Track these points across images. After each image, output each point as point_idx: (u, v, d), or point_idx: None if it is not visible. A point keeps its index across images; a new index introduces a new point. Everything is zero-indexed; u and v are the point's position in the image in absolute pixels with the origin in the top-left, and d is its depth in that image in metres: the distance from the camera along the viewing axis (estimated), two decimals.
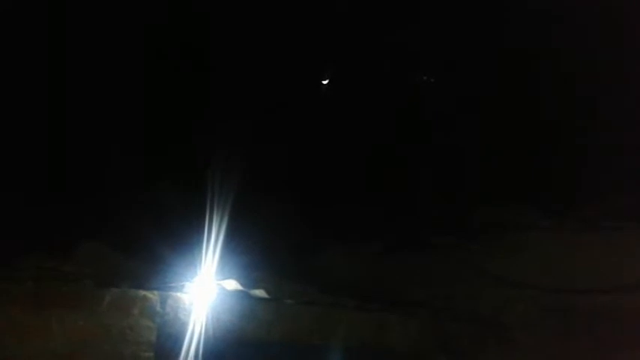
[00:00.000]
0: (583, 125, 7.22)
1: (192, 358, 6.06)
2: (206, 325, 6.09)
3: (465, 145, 7.26)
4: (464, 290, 6.67)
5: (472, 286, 6.70)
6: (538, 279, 6.68)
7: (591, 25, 7.01)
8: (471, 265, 6.86)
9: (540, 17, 7.08)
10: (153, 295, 6.09)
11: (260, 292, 6.42)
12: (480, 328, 6.46)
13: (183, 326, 6.10)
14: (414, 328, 6.56)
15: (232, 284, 6.36)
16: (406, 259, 6.86)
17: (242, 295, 6.36)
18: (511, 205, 7.21)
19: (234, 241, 6.33)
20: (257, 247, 6.46)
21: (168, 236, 6.20)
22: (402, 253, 6.89)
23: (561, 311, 6.33)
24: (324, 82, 7.28)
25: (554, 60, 7.09)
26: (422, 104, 7.17)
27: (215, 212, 6.32)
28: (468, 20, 7.20)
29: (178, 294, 6.17)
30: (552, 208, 6.95)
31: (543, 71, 7.16)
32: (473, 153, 7.29)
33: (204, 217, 6.28)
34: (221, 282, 6.33)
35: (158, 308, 6.08)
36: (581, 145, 7.16)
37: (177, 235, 6.22)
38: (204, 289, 6.22)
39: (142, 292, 6.07)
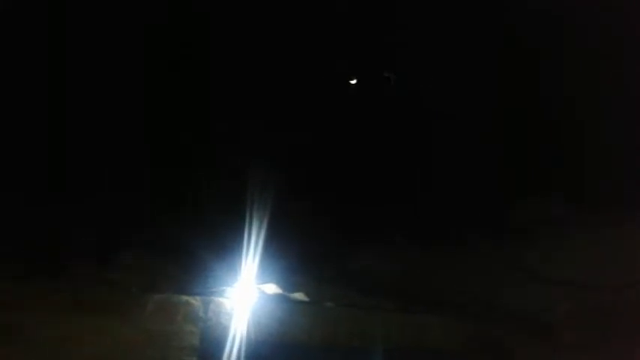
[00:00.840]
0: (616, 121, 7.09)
1: None
2: (247, 329, 6.16)
3: (499, 139, 7.19)
4: (506, 289, 6.58)
5: (515, 285, 6.61)
6: (582, 276, 6.56)
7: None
8: (513, 264, 6.77)
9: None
10: (195, 301, 6.20)
11: (300, 296, 6.47)
12: (524, 328, 6.36)
13: (225, 331, 6.18)
14: (456, 330, 6.50)
15: (272, 288, 6.43)
16: (446, 259, 6.81)
17: (282, 299, 6.42)
18: (550, 201, 7.10)
19: (274, 245, 6.39)
20: (296, 251, 6.51)
21: (209, 242, 6.30)
22: (441, 253, 6.84)
23: (606, 309, 6.20)
24: (352, 82, 7.30)
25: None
26: (449, 98, 7.13)
27: (254, 217, 6.39)
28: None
29: (220, 299, 6.27)
30: (593, 203, 6.81)
31: (573, 68, 7.07)
32: (508, 148, 7.20)
33: (244, 222, 6.36)
34: (261, 286, 6.40)
35: (201, 313, 6.17)
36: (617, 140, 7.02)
37: (218, 241, 6.32)
38: (245, 293, 6.30)
39: (185, 298, 6.19)
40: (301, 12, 6.69)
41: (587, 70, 6.97)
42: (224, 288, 6.32)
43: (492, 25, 7.06)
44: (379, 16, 6.85)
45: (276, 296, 6.43)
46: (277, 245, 6.37)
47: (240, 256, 6.28)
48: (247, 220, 6.35)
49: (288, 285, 6.47)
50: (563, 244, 6.80)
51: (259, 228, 6.37)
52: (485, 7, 6.98)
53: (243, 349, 6.13)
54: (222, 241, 6.30)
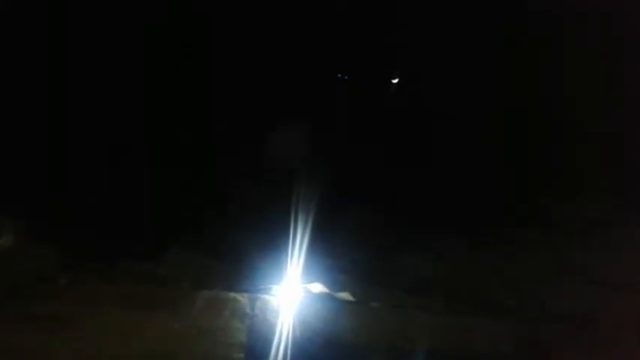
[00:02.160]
0: None
1: (281, 359, 6.19)
2: (293, 326, 6.22)
3: (546, 138, 7.08)
4: (556, 290, 6.46)
5: (565, 286, 6.48)
6: (633, 278, 6.38)
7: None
8: (563, 265, 6.65)
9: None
10: (242, 298, 6.31)
11: (346, 295, 6.51)
12: (573, 329, 6.22)
13: (272, 328, 6.26)
14: (504, 330, 6.42)
15: (318, 287, 6.49)
16: (494, 259, 6.73)
17: (328, 298, 6.46)
18: (601, 200, 6.94)
19: (320, 244, 6.45)
20: (342, 250, 6.54)
21: (256, 241, 6.40)
22: (489, 253, 6.76)
23: None
24: (394, 81, 7.30)
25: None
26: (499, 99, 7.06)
27: (301, 216, 6.47)
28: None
29: (267, 296, 6.36)
30: None
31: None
32: (557, 147, 7.08)
33: (290, 221, 6.44)
34: (307, 285, 6.46)
35: (248, 310, 6.27)
36: None
37: (265, 239, 6.41)
38: (291, 291, 6.38)
39: (232, 295, 6.31)
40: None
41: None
42: (271, 286, 6.42)
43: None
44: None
45: (322, 295, 6.48)
46: (324, 244, 6.43)
47: (286, 254, 6.37)
48: (294, 219, 6.44)
49: (334, 284, 6.52)
50: (615, 245, 6.64)
51: (306, 227, 6.44)
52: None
53: (288, 346, 6.20)
54: (270, 240, 6.39)
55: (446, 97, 7.25)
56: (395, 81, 7.38)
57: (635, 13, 6.89)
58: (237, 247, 6.41)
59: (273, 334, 6.23)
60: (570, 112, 7.11)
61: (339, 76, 7.20)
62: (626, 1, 6.99)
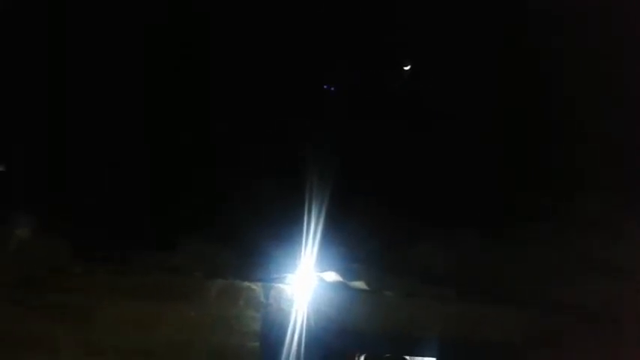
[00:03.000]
0: None
1: (296, 347, 6.32)
2: (307, 315, 6.29)
3: (559, 129, 7.02)
4: (569, 281, 6.50)
5: (578, 277, 6.52)
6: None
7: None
8: (576, 255, 6.66)
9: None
10: (257, 287, 6.36)
11: (360, 284, 6.52)
12: (586, 321, 6.30)
13: (286, 316, 6.36)
14: (517, 320, 6.48)
15: (332, 276, 6.50)
16: (508, 248, 6.73)
17: (342, 287, 6.49)
18: (612, 194, 6.92)
19: (334, 233, 6.42)
20: (356, 239, 6.53)
21: (270, 230, 6.38)
22: (503, 242, 6.77)
23: None
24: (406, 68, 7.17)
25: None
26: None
27: (315, 205, 6.43)
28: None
29: (280, 285, 6.40)
30: None
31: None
32: (571, 137, 7.03)
33: (304, 210, 6.40)
34: (321, 274, 6.48)
35: (262, 299, 6.32)
36: None
37: (279, 228, 6.39)
38: (305, 280, 6.40)
39: (247, 284, 6.37)
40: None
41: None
42: (285, 275, 6.44)
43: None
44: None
45: (336, 284, 6.51)
46: (338, 233, 6.41)
47: (300, 243, 6.34)
48: (308, 208, 6.37)
49: (348, 273, 6.52)
50: (627, 238, 6.65)
51: (319, 216, 6.38)
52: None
53: (302, 334, 6.28)
54: (283, 229, 6.36)
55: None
56: (407, 68, 7.25)
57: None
58: (251, 237, 6.34)
59: (288, 322, 6.35)
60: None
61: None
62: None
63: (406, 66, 6.77)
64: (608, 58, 6.60)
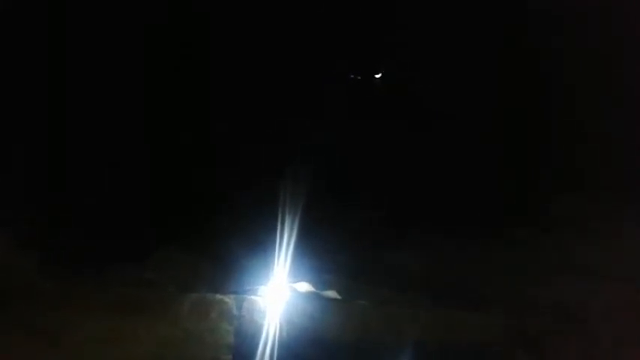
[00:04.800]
0: None
1: (269, 359, 6.21)
2: (280, 326, 6.24)
3: (543, 128, 7.03)
4: (544, 283, 6.43)
5: (553, 279, 6.45)
6: (624, 271, 6.33)
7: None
8: (552, 257, 6.61)
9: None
10: (229, 299, 6.35)
11: (332, 294, 6.50)
12: (561, 322, 6.19)
13: (259, 328, 6.30)
14: (492, 324, 6.38)
15: (304, 286, 6.48)
16: (483, 252, 6.70)
17: (314, 297, 6.47)
18: (594, 193, 6.88)
19: (306, 243, 6.44)
20: (328, 249, 6.54)
21: (241, 242, 6.41)
22: (479, 246, 6.74)
23: None
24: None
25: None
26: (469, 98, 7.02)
27: (286, 216, 6.46)
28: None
29: (253, 297, 6.39)
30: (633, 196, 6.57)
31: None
32: (553, 137, 7.03)
33: (276, 221, 6.44)
34: (293, 284, 6.47)
35: (235, 311, 6.30)
36: None
37: (250, 240, 6.42)
38: (278, 291, 6.39)
39: (219, 297, 6.36)
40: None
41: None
42: (257, 286, 6.44)
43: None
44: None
45: (309, 294, 6.48)
46: (309, 243, 6.42)
47: (272, 254, 6.36)
48: (279, 218, 6.42)
49: (321, 283, 6.51)
50: (605, 239, 6.60)
51: (291, 226, 6.42)
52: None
53: (276, 346, 6.22)
54: (255, 241, 6.40)
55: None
56: (378, 76, 7.35)
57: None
58: (223, 249, 6.41)
59: (261, 334, 6.26)
60: (569, 112, 7.08)
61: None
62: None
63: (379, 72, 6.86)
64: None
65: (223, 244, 6.45)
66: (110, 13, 6.42)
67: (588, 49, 6.86)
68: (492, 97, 7.06)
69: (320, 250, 6.46)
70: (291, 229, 6.43)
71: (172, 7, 6.59)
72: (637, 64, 6.86)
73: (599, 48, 6.82)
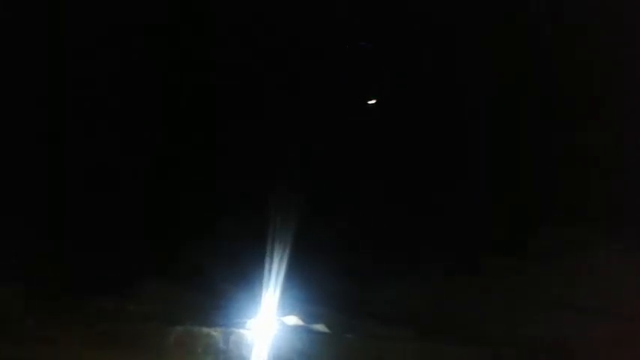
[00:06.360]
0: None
1: None
2: None
3: (523, 164, 7.16)
4: (525, 315, 6.52)
5: (534, 311, 6.55)
6: (603, 304, 6.48)
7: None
8: (534, 291, 6.71)
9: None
10: (216, 332, 6.21)
11: (321, 327, 6.44)
12: (543, 355, 6.28)
13: None
14: (476, 357, 6.43)
15: (293, 320, 6.41)
16: (466, 285, 6.77)
17: (303, 331, 6.40)
18: (573, 227, 7.04)
19: (294, 277, 6.39)
20: (317, 282, 6.51)
21: (230, 274, 6.32)
22: (462, 279, 6.81)
23: (626, 338, 6.11)
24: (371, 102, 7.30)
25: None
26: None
27: (275, 249, 6.41)
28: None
29: (241, 330, 6.27)
30: (617, 230, 6.76)
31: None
32: (532, 173, 7.17)
33: (265, 254, 6.38)
34: (282, 318, 6.39)
35: (221, 345, 6.17)
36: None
37: (239, 273, 6.33)
38: (266, 325, 6.29)
39: (206, 330, 6.22)
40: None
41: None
42: (245, 319, 6.32)
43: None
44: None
45: (297, 328, 6.41)
46: (298, 277, 6.38)
47: (261, 287, 6.29)
48: (268, 252, 6.37)
49: (309, 316, 6.46)
50: (586, 271, 6.74)
51: (280, 260, 6.37)
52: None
53: None
54: (243, 273, 6.32)
55: (423, 128, 7.33)
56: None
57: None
58: (210, 280, 6.32)
59: None
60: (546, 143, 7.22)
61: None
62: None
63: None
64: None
65: (210, 276, 6.35)
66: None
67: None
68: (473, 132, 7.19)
69: (309, 282, 6.41)
70: (280, 261, 6.38)
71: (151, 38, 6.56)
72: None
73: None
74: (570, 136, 6.93)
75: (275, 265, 6.32)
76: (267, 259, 6.32)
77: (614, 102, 7.02)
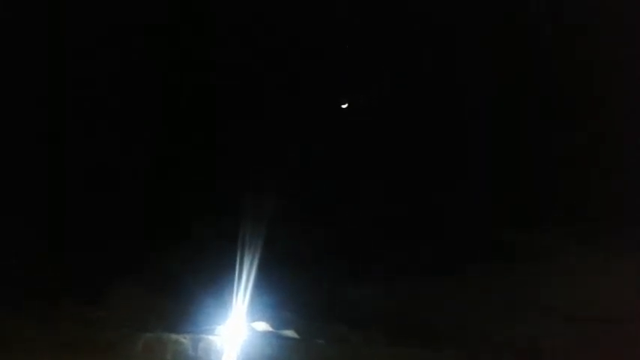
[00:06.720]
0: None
1: None
2: None
3: (494, 168, 7.21)
4: (497, 319, 6.54)
5: (506, 315, 6.58)
6: (574, 306, 6.52)
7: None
8: (510, 295, 6.74)
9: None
10: (185, 339, 6.16)
11: (291, 333, 6.41)
12: (514, 357, 6.29)
13: None
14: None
15: (262, 326, 6.38)
16: (438, 289, 6.78)
17: (273, 337, 6.36)
18: (545, 231, 7.09)
19: (264, 283, 6.37)
20: (286, 288, 6.49)
21: (198, 280, 6.28)
22: (433, 283, 6.82)
23: (597, 339, 6.15)
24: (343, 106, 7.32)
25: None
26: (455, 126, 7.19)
27: (245, 255, 6.38)
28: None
29: (210, 337, 6.22)
30: (588, 233, 6.82)
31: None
32: (504, 176, 7.21)
33: (234, 260, 6.35)
34: (251, 324, 6.36)
35: (190, 352, 6.12)
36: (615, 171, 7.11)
37: (208, 279, 6.30)
38: (235, 331, 6.26)
39: (175, 336, 6.17)
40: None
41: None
42: (214, 326, 6.28)
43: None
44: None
45: (267, 334, 6.38)
46: (268, 282, 6.36)
47: (230, 293, 6.26)
48: (238, 258, 6.34)
49: (279, 322, 6.43)
50: (561, 276, 6.79)
51: (250, 266, 6.35)
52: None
53: None
54: (212, 279, 6.28)
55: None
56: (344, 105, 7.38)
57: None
58: (179, 286, 6.27)
59: None
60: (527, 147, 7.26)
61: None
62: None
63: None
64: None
65: (179, 281, 6.30)
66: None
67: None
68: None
69: (278, 289, 6.39)
70: (250, 267, 6.35)
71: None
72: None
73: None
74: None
75: (244, 271, 6.30)
76: (237, 265, 6.29)
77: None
